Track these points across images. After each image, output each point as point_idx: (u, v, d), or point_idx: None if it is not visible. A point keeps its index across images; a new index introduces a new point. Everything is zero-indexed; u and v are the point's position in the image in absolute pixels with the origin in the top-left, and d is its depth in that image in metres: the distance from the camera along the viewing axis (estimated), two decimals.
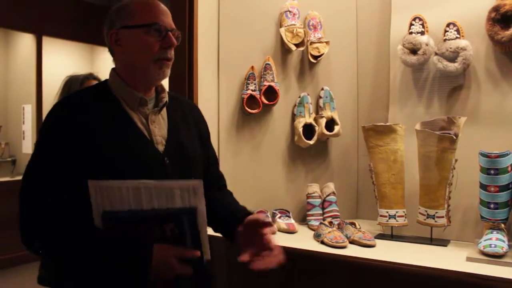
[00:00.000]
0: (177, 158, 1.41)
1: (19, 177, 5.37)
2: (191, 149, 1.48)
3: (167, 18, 1.41)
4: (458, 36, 2.17)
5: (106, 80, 1.46)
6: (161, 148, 1.39)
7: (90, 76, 2.50)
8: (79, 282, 1.30)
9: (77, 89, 2.41)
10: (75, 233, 1.24)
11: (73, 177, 1.24)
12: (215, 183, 1.63)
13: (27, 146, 5.33)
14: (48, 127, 1.32)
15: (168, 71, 1.41)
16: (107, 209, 1.18)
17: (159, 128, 1.42)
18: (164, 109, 1.47)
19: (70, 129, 1.27)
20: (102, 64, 6.50)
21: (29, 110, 5.32)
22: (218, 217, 1.50)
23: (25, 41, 5.43)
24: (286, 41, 2.45)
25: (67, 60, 6.29)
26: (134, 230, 1.20)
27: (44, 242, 1.27)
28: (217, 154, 1.78)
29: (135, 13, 1.37)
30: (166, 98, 1.46)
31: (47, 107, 5.32)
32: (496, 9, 2.06)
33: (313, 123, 2.51)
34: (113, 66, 1.45)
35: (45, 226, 1.25)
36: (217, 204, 1.53)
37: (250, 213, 1.47)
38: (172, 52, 1.40)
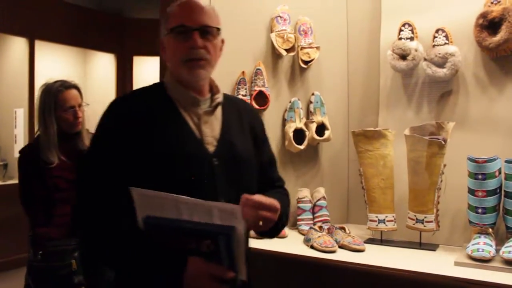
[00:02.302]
0: (228, 159, 1.39)
1: (11, 181, 5.37)
2: (243, 150, 1.45)
3: (197, 16, 1.35)
4: (446, 42, 2.19)
5: (162, 81, 1.48)
6: (211, 148, 1.38)
7: (64, 86, 2.40)
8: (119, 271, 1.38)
9: (51, 101, 2.35)
10: (119, 229, 1.26)
11: (124, 172, 1.28)
12: (270, 184, 1.59)
13: (19, 150, 5.31)
14: (104, 124, 1.36)
15: (202, 71, 1.37)
16: (149, 214, 1.19)
17: (211, 129, 1.40)
18: (220, 110, 1.45)
19: (123, 125, 1.31)
20: (94, 67, 6.49)
21: (21, 114, 5.30)
22: None
23: (18, 45, 5.41)
24: (276, 46, 2.46)
25: (59, 64, 6.27)
26: (172, 239, 1.21)
27: (89, 232, 1.31)
28: None
29: (169, 17, 1.37)
30: (219, 99, 1.45)
31: None
32: (483, 15, 2.08)
33: (304, 128, 2.51)
34: None
35: (92, 217, 1.29)
36: None
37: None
38: (202, 51, 1.35)
